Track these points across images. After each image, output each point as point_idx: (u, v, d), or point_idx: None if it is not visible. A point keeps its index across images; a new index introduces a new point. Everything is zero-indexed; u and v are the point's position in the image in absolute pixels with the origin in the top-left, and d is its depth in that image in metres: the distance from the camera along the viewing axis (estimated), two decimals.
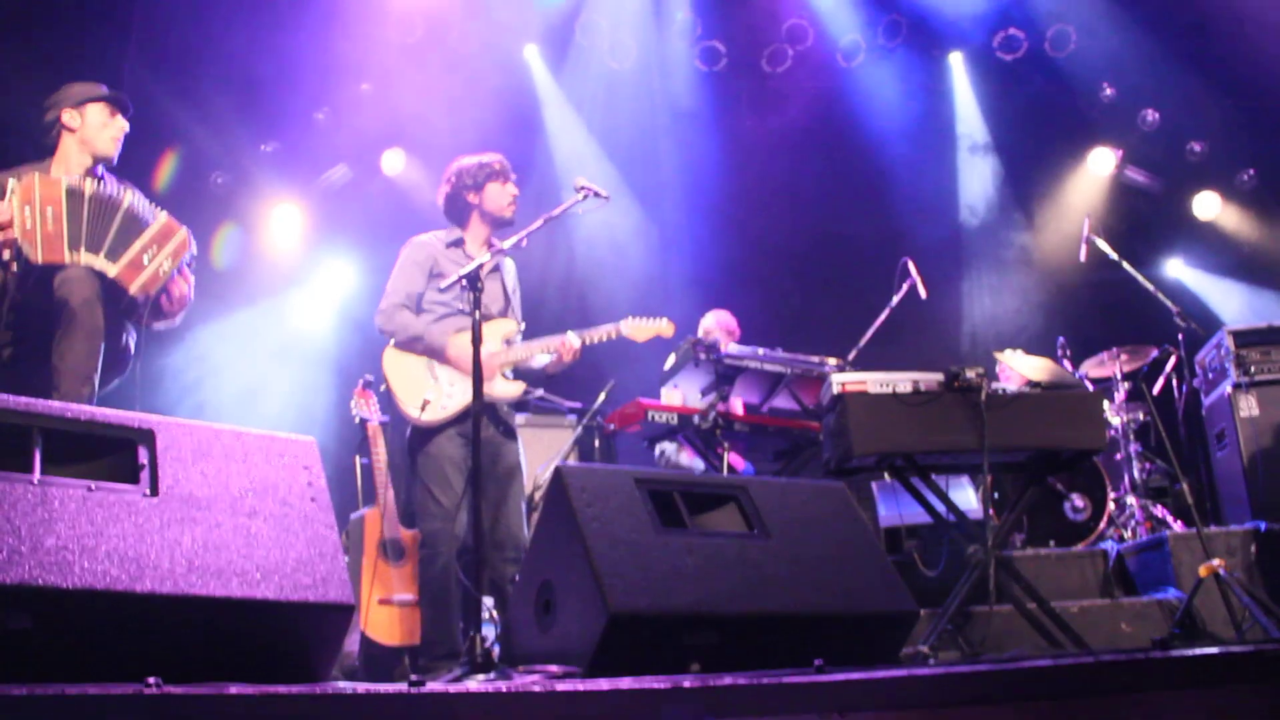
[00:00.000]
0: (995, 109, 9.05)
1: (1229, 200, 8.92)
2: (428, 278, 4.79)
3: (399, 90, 8.14)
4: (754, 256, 8.95)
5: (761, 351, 5.40)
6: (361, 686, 1.87)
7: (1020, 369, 4.94)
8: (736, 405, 5.79)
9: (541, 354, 4.74)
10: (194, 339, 7.15)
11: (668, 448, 6.18)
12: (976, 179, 9.19)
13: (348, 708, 1.88)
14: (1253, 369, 6.03)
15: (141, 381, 4.11)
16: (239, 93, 7.73)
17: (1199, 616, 4.42)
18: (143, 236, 3.98)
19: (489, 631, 4.06)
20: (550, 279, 8.53)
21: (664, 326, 4.84)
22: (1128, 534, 6.29)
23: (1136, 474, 6.57)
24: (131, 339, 4.18)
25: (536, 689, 1.85)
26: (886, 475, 5.70)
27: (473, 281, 3.94)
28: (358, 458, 6.06)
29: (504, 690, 1.85)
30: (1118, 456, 6.70)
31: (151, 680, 1.90)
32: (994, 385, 4.28)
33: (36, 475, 2.55)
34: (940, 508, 4.49)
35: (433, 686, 1.89)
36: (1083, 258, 6.57)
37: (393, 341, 4.74)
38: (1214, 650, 1.40)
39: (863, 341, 6.37)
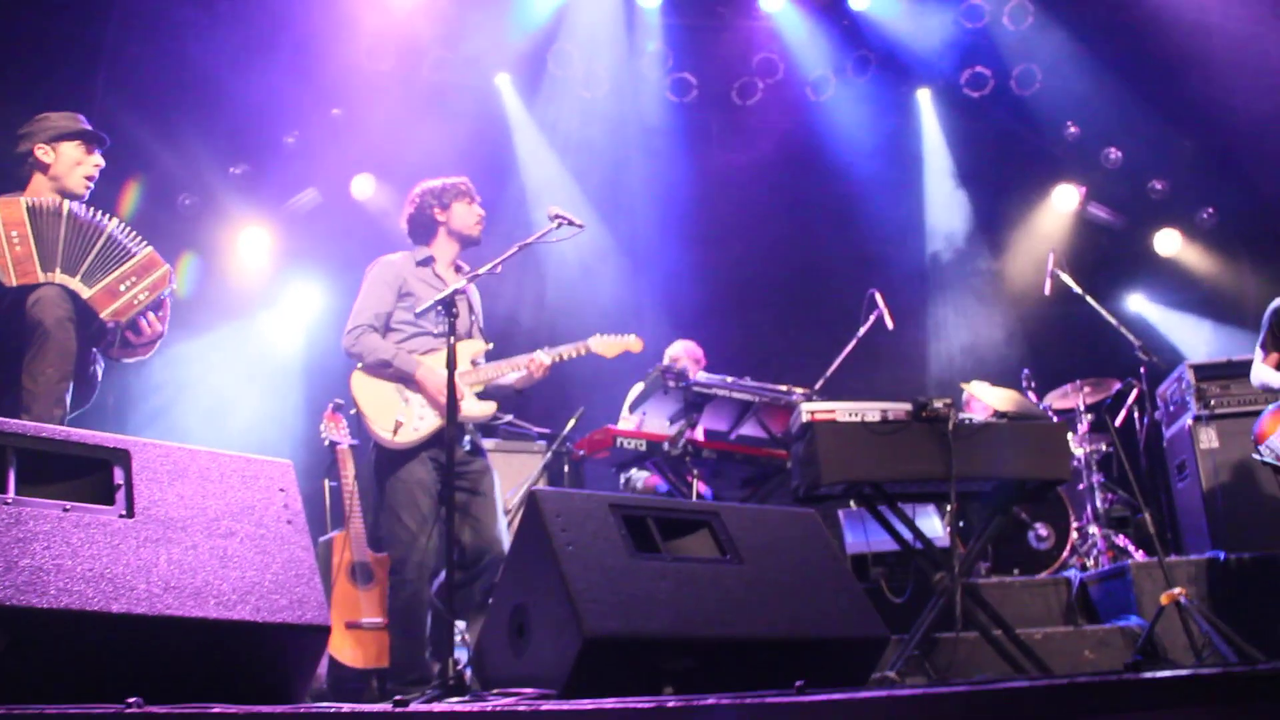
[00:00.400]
0: (962, 144, 9.16)
1: (1189, 238, 9.07)
2: (397, 297, 4.76)
3: (370, 116, 8.16)
4: (724, 285, 8.99)
5: (730, 379, 5.44)
6: (346, 707, 1.87)
7: (986, 400, 5.00)
8: (698, 433, 5.82)
9: (511, 371, 4.75)
10: (162, 362, 7.08)
11: (635, 475, 6.19)
12: (943, 212, 9.30)
13: None
14: (1213, 402, 6.15)
15: (111, 404, 4.08)
16: (209, 115, 7.70)
17: (1160, 644, 4.49)
18: (124, 265, 3.96)
19: (461, 655, 4.05)
20: (523, 305, 8.54)
21: (632, 342, 4.87)
22: (1090, 563, 6.38)
23: (1099, 504, 6.67)
24: (99, 367, 4.14)
25: (522, 709, 1.85)
26: (853, 503, 5.76)
27: (448, 307, 3.96)
28: (326, 480, 6.03)
29: (488, 710, 1.85)
30: (1080, 487, 6.80)
31: (133, 700, 1.89)
32: (961, 415, 4.33)
33: (11, 495, 2.53)
34: (907, 535, 4.54)
35: (417, 707, 1.89)
36: (1047, 291, 6.64)
37: (360, 365, 4.69)
38: (1186, 672, 1.45)
39: (830, 371, 6.41)
